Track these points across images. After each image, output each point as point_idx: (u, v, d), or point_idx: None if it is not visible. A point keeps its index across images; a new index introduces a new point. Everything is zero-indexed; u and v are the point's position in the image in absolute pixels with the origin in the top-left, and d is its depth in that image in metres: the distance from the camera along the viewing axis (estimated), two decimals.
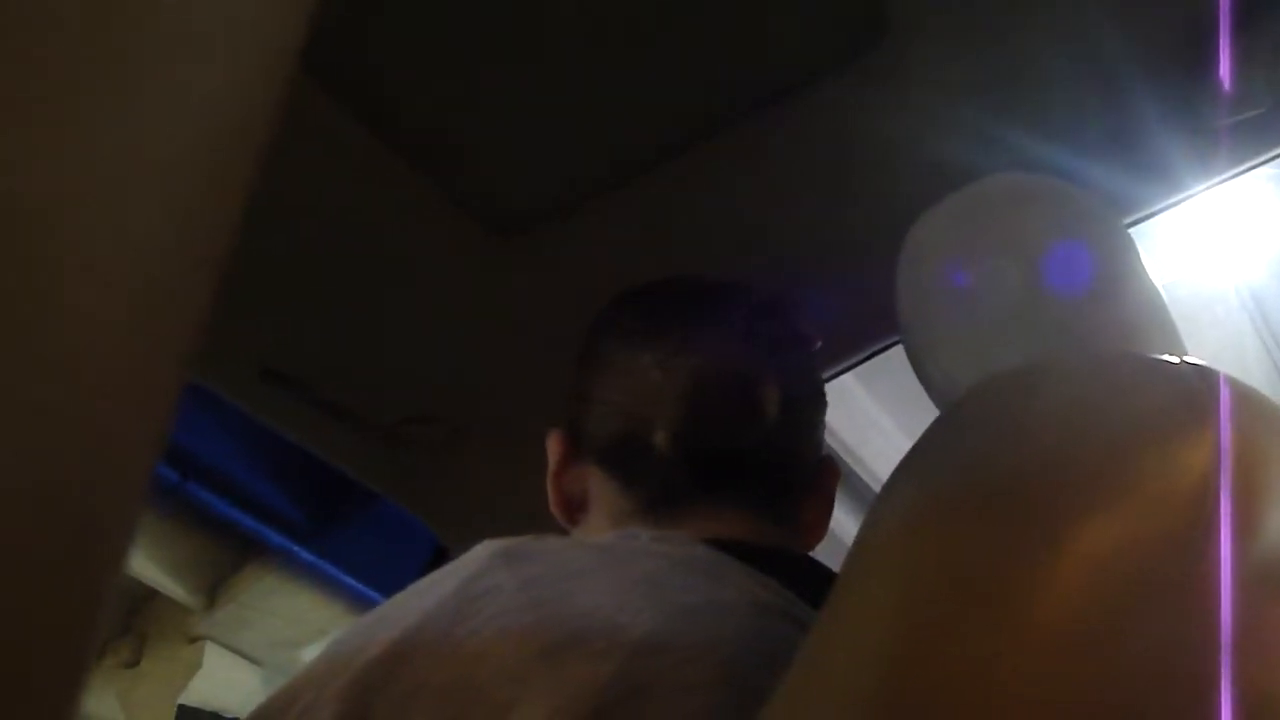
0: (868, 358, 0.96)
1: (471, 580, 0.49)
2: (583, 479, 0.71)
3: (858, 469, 2.67)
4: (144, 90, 0.18)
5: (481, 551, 0.52)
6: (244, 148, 0.20)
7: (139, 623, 4.22)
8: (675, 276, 0.78)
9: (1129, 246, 0.64)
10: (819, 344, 0.80)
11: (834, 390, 0.84)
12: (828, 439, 0.80)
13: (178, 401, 0.20)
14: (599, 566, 0.51)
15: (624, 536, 0.59)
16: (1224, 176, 0.78)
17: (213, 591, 3.97)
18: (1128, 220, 0.80)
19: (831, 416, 0.80)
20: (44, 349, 0.17)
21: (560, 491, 0.73)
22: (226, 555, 3.88)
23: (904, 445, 0.42)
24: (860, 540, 0.39)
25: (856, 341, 0.93)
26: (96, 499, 0.19)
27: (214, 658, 4.03)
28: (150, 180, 0.18)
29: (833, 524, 0.76)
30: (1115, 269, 0.62)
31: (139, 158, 0.18)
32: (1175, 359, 0.40)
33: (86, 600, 0.19)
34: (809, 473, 0.74)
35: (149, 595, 4.01)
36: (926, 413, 0.50)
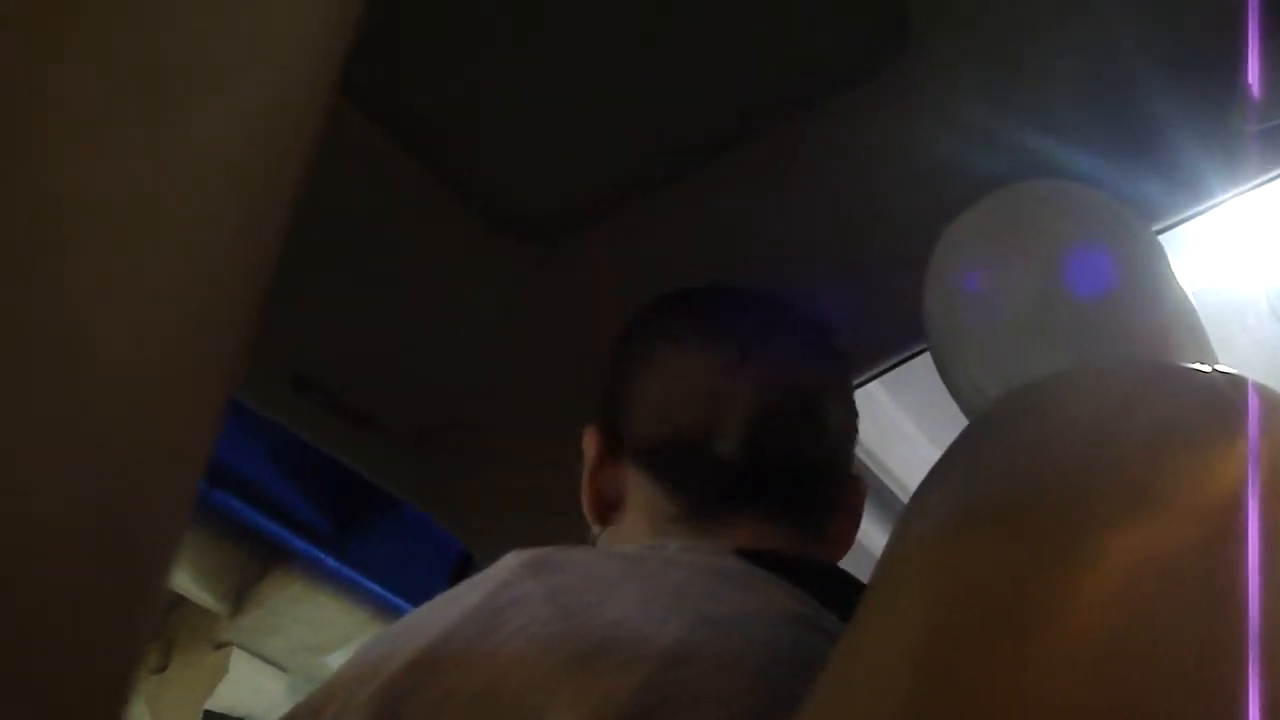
0: (893, 366, 0.96)
1: (499, 590, 0.49)
2: (620, 479, 0.71)
3: (883, 477, 2.66)
4: (191, 97, 0.18)
5: (510, 561, 0.52)
6: (290, 157, 0.21)
7: (166, 629, 4.25)
8: (719, 284, 0.78)
9: (1159, 253, 0.64)
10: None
11: (860, 399, 0.84)
12: None
13: (223, 413, 0.20)
14: (626, 578, 0.51)
15: (652, 548, 0.59)
16: (1254, 183, 0.77)
17: (239, 598, 3.99)
18: (1157, 227, 0.80)
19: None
20: (93, 360, 0.17)
21: (596, 490, 0.72)
22: (252, 562, 3.90)
23: (930, 454, 0.42)
24: (889, 551, 0.39)
25: (883, 349, 0.93)
26: (143, 512, 0.19)
27: (240, 664, 4.05)
28: (199, 189, 0.19)
29: (859, 533, 0.76)
30: (1145, 276, 0.62)
31: (188, 166, 0.18)
32: (1205, 367, 0.40)
33: (132, 613, 0.19)
34: (842, 488, 0.74)
35: (176, 601, 4.04)
36: (953, 421, 0.50)
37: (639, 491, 0.70)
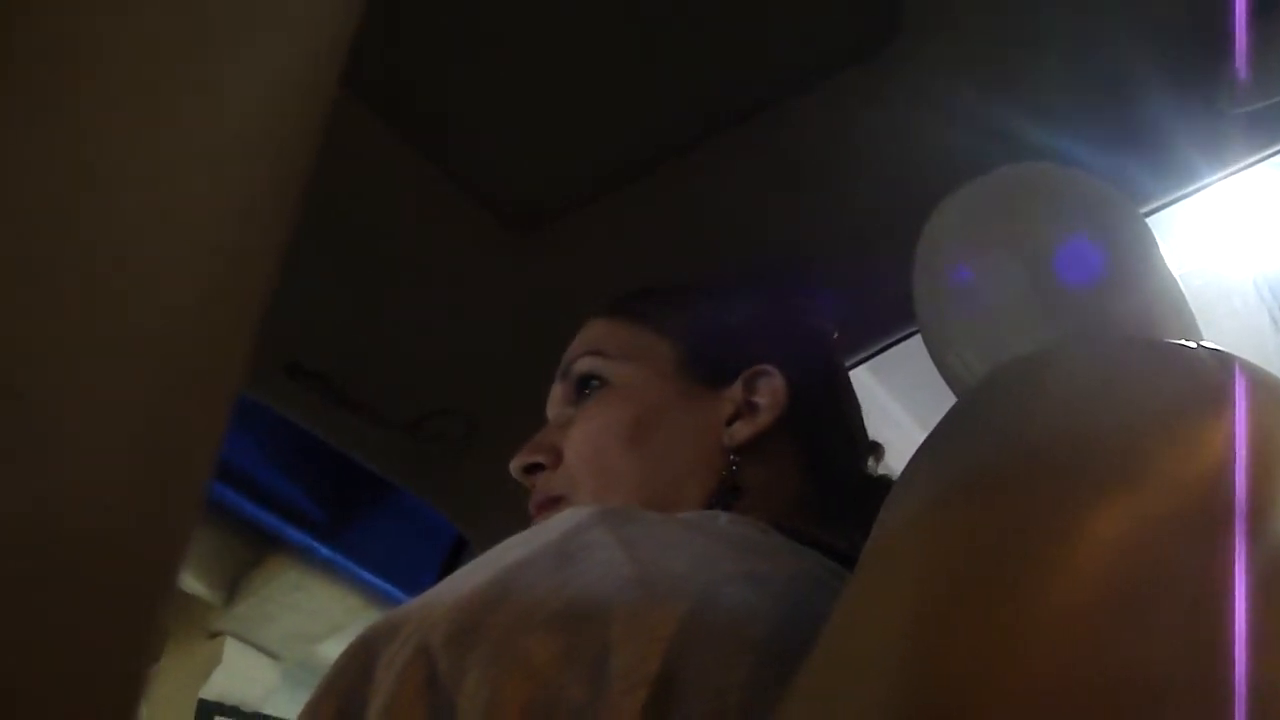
0: (882, 350, 0.96)
1: (573, 534, 0.50)
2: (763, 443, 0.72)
3: None
4: (201, 88, 0.18)
5: (578, 513, 0.53)
6: (301, 146, 0.21)
7: None
8: None
9: (1146, 237, 0.64)
10: None
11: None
12: None
13: (233, 403, 0.20)
14: (685, 538, 0.53)
15: (705, 516, 0.61)
16: (1241, 165, 0.78)
17: (232, 587, 3.99)
18: (1144, 210, 0.80)
19: None
20: (110, 351, 0.17)
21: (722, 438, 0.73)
22: (246, 551, 3.89)
23: (919, 438, 0.42)
24: (880, 526, 0.40)
25: (873, 333, 0.94)
26: (159, 506, 0.19)
27: (234, 653, 4.05)
28: (215, 176, 0.19)
29: None
30: (1132, 259, 0.63)
31: (205, 154, 0.18)
32: (1191, 343, 0.40)
33: (148, 607, 0.19)
34: None
35: None
36: (942, 405, 0.50)
37: (780, 467, 0.74)
